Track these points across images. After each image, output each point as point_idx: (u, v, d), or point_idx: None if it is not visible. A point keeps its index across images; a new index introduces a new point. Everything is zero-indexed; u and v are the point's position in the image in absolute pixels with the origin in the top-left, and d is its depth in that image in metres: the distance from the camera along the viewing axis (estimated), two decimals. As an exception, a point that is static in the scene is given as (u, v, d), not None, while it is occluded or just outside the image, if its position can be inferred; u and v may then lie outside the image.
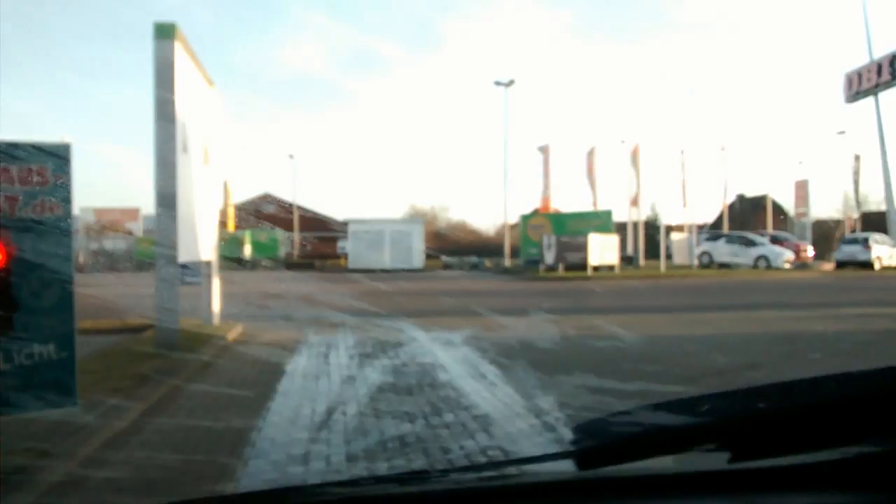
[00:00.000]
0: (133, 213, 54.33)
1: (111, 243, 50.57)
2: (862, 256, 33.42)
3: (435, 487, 1.48)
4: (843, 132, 47.60)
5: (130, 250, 45.90)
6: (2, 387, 4.27)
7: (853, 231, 43.97)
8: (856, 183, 46.46)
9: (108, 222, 53.84)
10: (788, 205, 51.94)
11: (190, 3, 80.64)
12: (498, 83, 39.24)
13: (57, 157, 4.53)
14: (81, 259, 44.34)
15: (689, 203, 37.43)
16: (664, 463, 1.75)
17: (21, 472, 4.02)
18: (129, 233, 52.80)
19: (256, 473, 4.43)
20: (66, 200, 4.56)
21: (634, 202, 38.14)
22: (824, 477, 1.41)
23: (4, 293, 4.29)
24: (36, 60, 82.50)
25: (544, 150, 39.48)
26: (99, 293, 20.24)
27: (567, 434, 5.20)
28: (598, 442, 1.52)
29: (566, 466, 1.61)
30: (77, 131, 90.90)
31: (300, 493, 1.58)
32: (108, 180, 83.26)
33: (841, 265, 34.16)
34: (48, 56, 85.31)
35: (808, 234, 43.56)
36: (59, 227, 4.52)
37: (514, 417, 5.78)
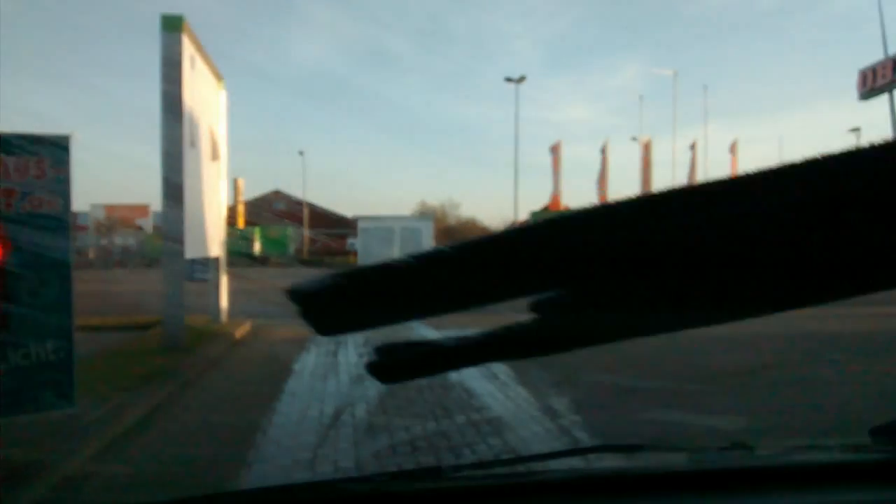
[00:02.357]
0: (143, 210, 54.49)
1: (121, 239, 50.84)
2: None
3: (448, 484, 1.46)
4: (857, 129, 46.97)
5: (141, 246, 46.12)
6: None
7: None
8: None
9: (118, 218, 54.10)
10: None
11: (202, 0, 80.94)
12: (509, 79, 39.03)
13: (56, 150, 4.35)
14: (92, 255, 44.63)
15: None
16: (675, 460, 1.68)
17: (25, 469, 3.92)
18: (140, 229, 53.04)
19: (259, 477, 4.30)
20: (65, 194, 4.38)
21: (644, 199, 37.84)
22: (830, 476, 1.42)
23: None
24: (51, 57, 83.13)
25: (555, 147, 39.30)
26: (108, 289, 20.23)
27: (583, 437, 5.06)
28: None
29: (577, 463, 1.68)
30: (89, 128, 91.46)
31: (312, 489, 1.57)
32: (119, 176, 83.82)
33: None
34: (63, 52, 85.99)
35: (821, 231, 43.30)
36: (58, 222, 4.36)
37: (529, 419, 5.63)
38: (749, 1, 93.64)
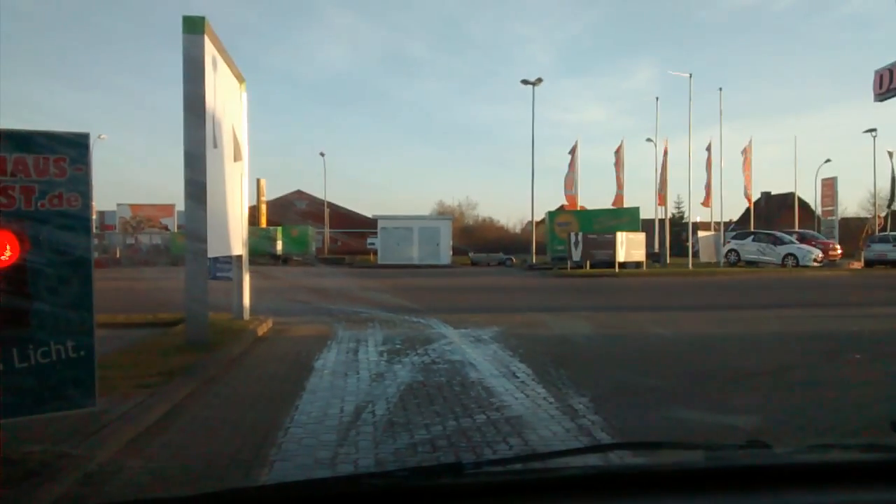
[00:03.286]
0: (168, 209, 55.15)
1: (147, 238, 51.50)
2: (892, 255, 32.57)
3: (468, 480, 1.48)
4: (873, 130, 46.02)
5: (166, 245, 46.60)
6: (17, 386, 4.14)
7: (882, 229, 43.01)
8: (892, 181, 45.30)
9: (144, 217, 54.79)
10: (815, 203, 51.16)
11: (224, 5, 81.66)
12: (525, 82, 38.90)
13: (75, 147, 4.36)
14: (118, 253, 45.17)
15: (715, 200, 37.08)
16: (693, 457, 1.67)
17: (47, 466, 3.95)
18: (165, 228, 53.62)
19: (280, 475, 4.32)
20: (85, 192, 4.39)
21: (661, 200, 37.80)
22: (849, 475, 1.43)
23: (19, 288, 4.16)
24: (81, 60, 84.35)
25: (572, 148, 39.25)
26: (134, 286, 20.44)
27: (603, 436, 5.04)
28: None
29: (596, 460, 1.74)
30: (118, 129, 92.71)
31: (335, 484, 1.60)
32: (147, 176, 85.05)
33: (870, 264, 33.37)
34: (93, 55, 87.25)
35: (836, 232, 42.83)
36: (78, 220, 4.36)
37: (548, 419, 5.61)
38: (764, 2, 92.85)
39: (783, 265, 32.69)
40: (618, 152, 39.03)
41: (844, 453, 1.65)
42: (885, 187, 46.92)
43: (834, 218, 44.95)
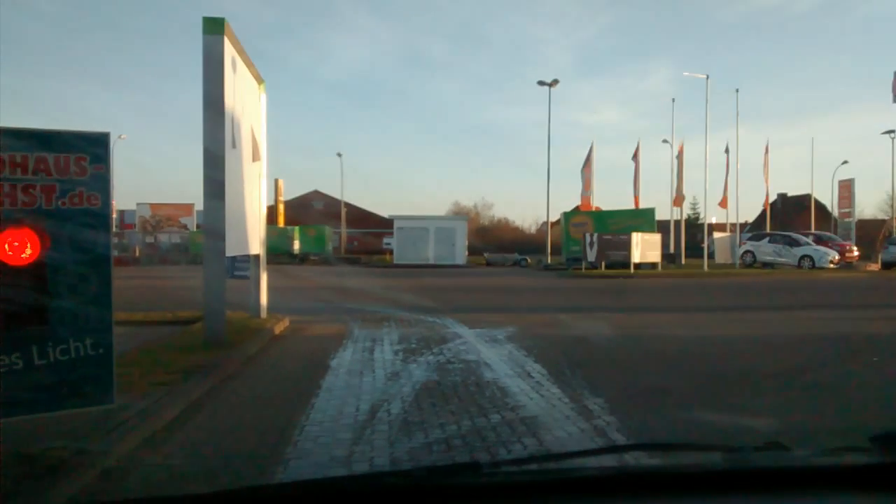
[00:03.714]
0: (188, 208, 55.69)
1: (166, 237, 52.02)
2: None
3: (486, 480, 1.48)
4: (891, 131, 45.40)
5: (185, 244, 47.04)
6: (36, 383, 4.18)
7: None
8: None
9: (163, 217, 55.33)
10: (832, 205, 50.79)
11: (244, 6, 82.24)
12: (541, 83, 38.84)
13: (96, 146, 4.40)
14: (137, 252, 45.65)
15: (731, 202, 36.89)
16: (709, 458, 1.66)
17: (65, 463, 4.00)
18: (184, 227, 54.12)
19: (296, 474, 4.34)
20: (105, 190, 4.43)
21: (677, 201, 37.67)
22: (867, 478, 1.42)
23: (39, 286, 4.21)
24: (107, 60, 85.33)
25: (589, 150, 39.23)
26: (153, 285, 20.60)
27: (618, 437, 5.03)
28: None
29: (613, 461, 1.80)
30: (137, 127, 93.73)
31: (353, 481, 1.62)
32: (165, 176, 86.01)
33: (887, 266, 32.98)
34: (119, 56, 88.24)
35: (853, 234, 42.47)
36: (98, 218, 4.40)
37: (563, 419, 5.60)
38: (781, 4, 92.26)
39: (799, 267, 32.47)
40: (635, 156, 39.01)
41: (862, 456, 1.64)
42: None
43: (851, 220, 44.58)
